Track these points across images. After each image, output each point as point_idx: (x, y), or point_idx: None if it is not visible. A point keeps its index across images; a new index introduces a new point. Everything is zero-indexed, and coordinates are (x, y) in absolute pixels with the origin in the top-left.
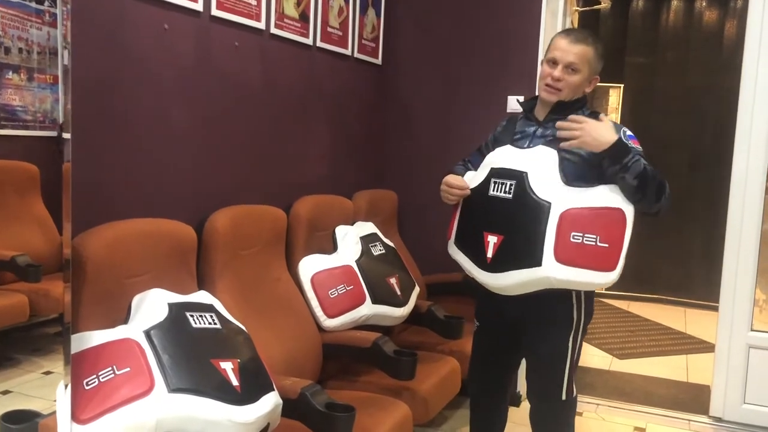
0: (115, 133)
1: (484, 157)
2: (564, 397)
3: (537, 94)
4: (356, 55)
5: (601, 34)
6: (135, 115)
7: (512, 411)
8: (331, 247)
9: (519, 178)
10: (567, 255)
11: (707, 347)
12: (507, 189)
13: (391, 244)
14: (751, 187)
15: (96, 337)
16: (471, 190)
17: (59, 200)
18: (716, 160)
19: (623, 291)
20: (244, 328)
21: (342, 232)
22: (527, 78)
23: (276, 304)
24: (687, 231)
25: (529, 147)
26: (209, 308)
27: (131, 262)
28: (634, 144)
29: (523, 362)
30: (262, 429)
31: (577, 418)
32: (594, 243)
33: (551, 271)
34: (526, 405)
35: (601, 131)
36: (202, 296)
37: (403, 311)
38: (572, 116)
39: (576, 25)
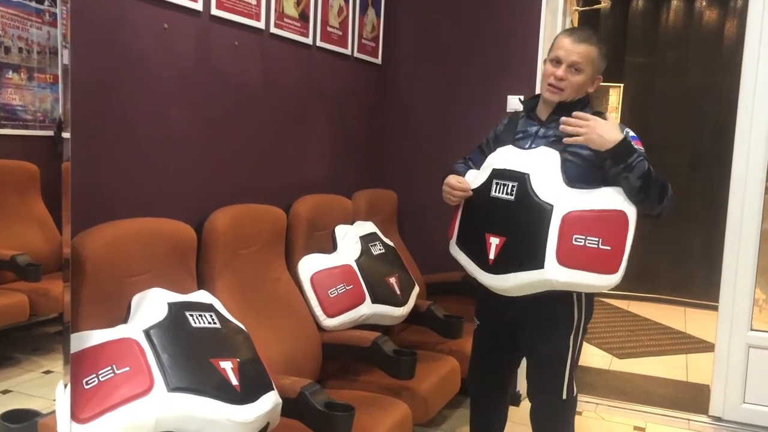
0: (115, 132)
1: (485, 154)
2: (564, 396)
3: (538, 93)
4: (356, 54)
5: (601, 33)
6: (135, 114)
7: (512, 410)
8: (330, 246)
9: (521, 179)
10: (569, 258)
11: (707, 347)
12: (509, 190)
13: (390, 243)
14: (750, 186)
15: (96, 337)
16: (473, 190)
17: (59, 200)
18: (716, 160)
19: (623, 290)
20: (243, 327)
21: (342, 231)
22: (527, 78)
23: (276, 303)
24: (687, 231)
25: (531, 147)
26: (209, 308)
27: (131, 262)
28: (637, 145)
29: (524, 362)
30: (262, 428)
31: (576, 417)
32: (596, 246)
33: (553, 274)
34: (526, 404)
35: (606, 129)
36: (202, 296)
37: (402, 311)
38: (577, 113)
39: (576, 25)
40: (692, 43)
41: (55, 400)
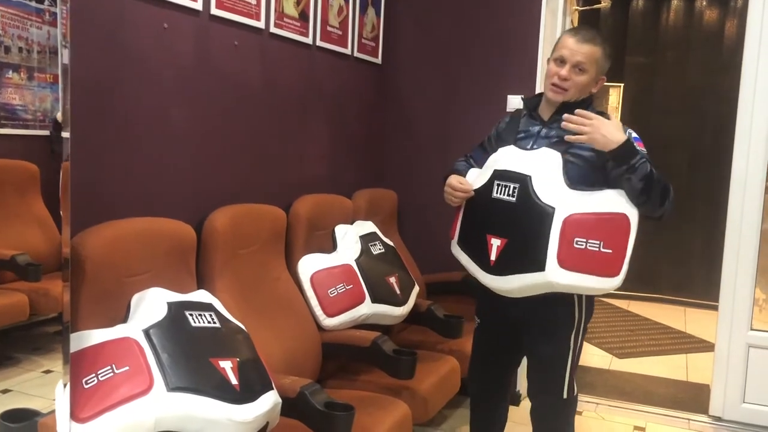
0: (114, 132)
1: (486, 152)
2: (565, 396)
3: (541, 92)
4: (356, 54)
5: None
6: (134, 114)
7: (512, 410)
8: (330, 246)
9: (523, 181)
10: (570, 260)
11: (707, 346)
12: (511, 192)
13: (390, 243)
14: (750, 186)
15: (95, 336)
16: (474, 191)
17: (59, 199)
18: (716, 160)
19: (623, 290)
20: (243, 327)
21: (341, 231)
22: (527, 78)
23: (275, 303)
24: (687, 230)
25: (533, 148)
26: (208, 307)
27: (131, 261)
28: (640, 146)
29: (524, 361)
30: (261, 428)
31: (576, 417)
32: (597, 248)
33: (554, 276)
34: (526, 404)
35: (610, 129)
36: (202, 295)
37: (402, 310)
38: (581, 111)
39: (576, 25)
40: (692, 42)
41: (54, 399)
